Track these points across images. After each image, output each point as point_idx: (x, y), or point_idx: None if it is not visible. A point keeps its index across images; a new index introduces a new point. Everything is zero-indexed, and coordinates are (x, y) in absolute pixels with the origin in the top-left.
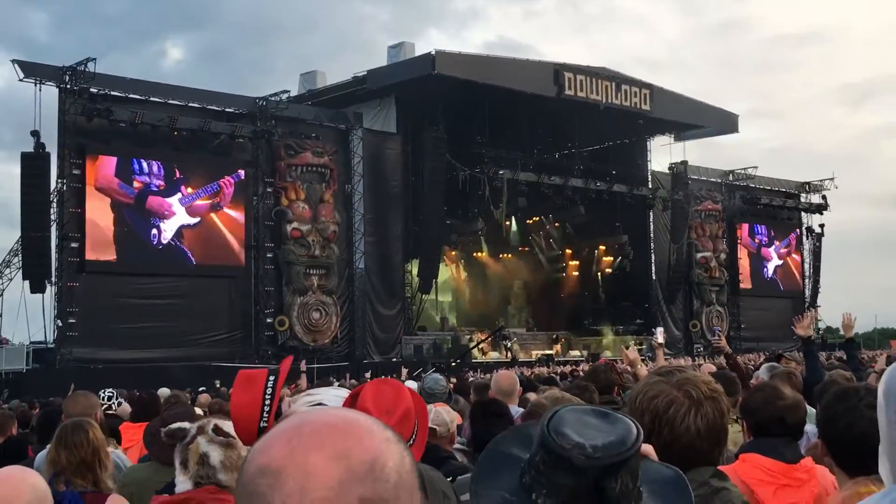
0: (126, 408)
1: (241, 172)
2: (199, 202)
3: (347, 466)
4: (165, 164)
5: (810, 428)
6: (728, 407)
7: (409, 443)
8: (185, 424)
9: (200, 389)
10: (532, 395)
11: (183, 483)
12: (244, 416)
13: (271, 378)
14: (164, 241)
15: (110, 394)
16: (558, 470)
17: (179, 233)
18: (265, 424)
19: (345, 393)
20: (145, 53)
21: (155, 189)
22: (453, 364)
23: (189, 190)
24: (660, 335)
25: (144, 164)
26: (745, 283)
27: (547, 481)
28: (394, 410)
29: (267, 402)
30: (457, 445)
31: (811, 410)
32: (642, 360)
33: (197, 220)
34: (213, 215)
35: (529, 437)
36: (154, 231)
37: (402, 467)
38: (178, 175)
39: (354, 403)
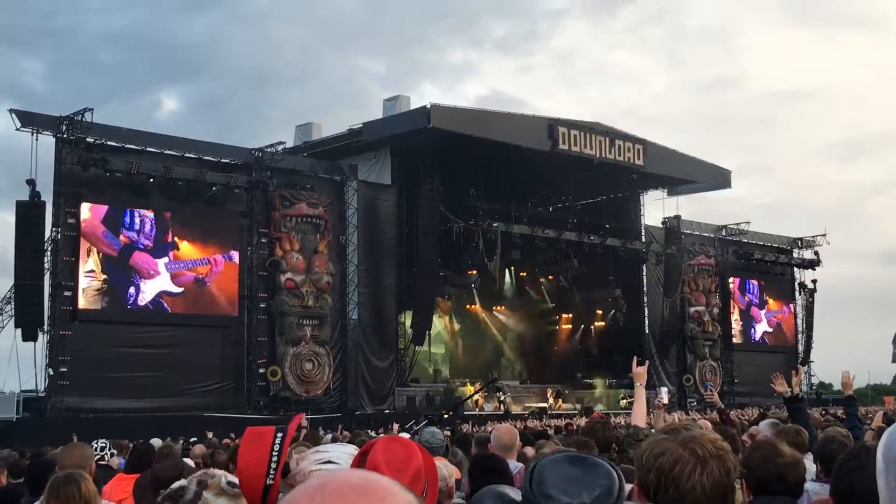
0: (116, 460)
1: (233, 253)
2: (186, 272)
3: None
4: (159, 220)
5: (810, 486)
6: (735, 465)
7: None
8: (183, 482)
9: (192, 440)
10: (529, 450)
11: None
12: (251, 473)
13: (279, 435)
14: (141, 304)
15: (103, 444)
16: None
17: (159, 296)
18: (271, 482)
19: (353, 450)
20: (140, 103)
21: (142, 247)
22: (446, 416)
23: (178, 255)
24: (664, 395)
25: (137, 220)
26: (738, 338)
27: None
28: (405, 469)
29: (274, 458)
30: (455, 500)
31: (811, 468)
32: None
33: (180, 290)
34: (206, 263)
35: (502, 495)
36: (132, 290)
37: None
38: (169, 238)
39: (364, 461)
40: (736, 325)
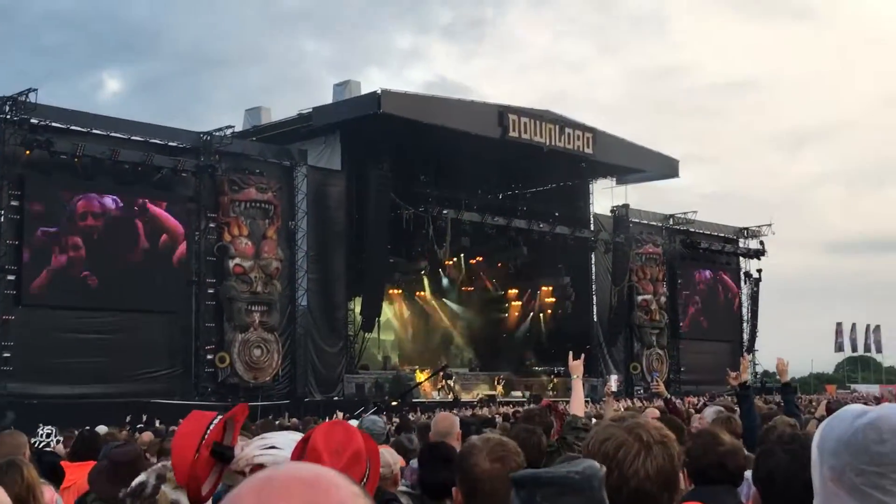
0: (61, 447)
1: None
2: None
3: None
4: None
5: (750, 475)
6: (679, 453)
7: (361, 484)
8: (142, 477)
9: (139, 426)
10: (475, 438)
11: None
12: (180, 448)
13: (217, 417)
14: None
15: (49, 431)
16: (564, 496)
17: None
18: (197, 455)
19: (297, 436)
20: (82, 84)
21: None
22: (394, 404)
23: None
24: (613, 382)
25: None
26: (684, 327)
27: None
28: (343, 452)
29: (206, 435)
30: (401, 487)
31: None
32: (585, 402)
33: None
34: (151, 249)
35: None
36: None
37: None
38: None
39: (307, 445)
40: (682, 313)
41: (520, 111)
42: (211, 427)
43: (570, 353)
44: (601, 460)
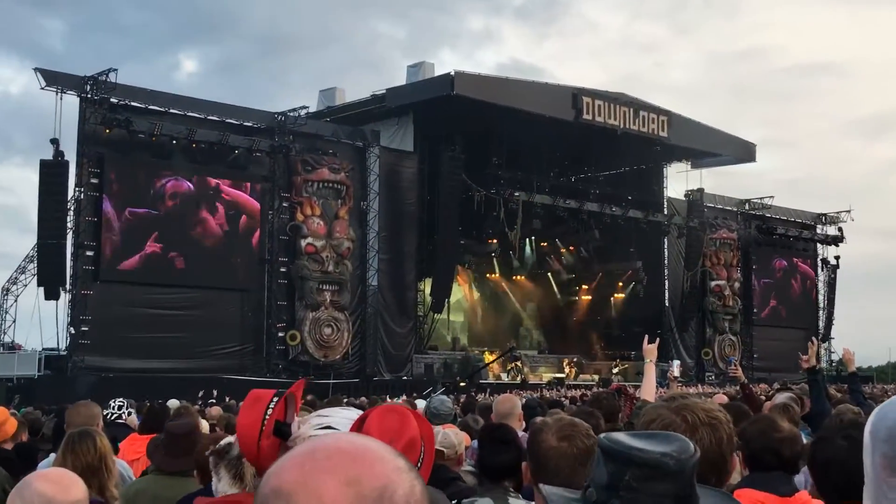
0: (134, 418)
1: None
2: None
3: (358, 492)
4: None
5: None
6: (729, 436)
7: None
8: (230, 438)
9: (210, 401)
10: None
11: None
12: (245, 435)
13: (274, 399)
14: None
15: (121, 403)
16: (656, 480)
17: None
18: (260, 442)
19: (355, 414)
20: (160, 64)
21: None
22: (462, 384)
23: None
24: (675, 368)
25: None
26: (760, 313)
27: (646, 495)
28: (397, 440)
29: (265, 421)
30: (466, 467)
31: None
32: (655, 387)
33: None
34: (228, 228)
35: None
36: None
37: (412, 496)
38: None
39: (360, 429)
40: (757, 299)
41: (594, 94)
42: (270, 410)
43: (646, 336)
44: None
